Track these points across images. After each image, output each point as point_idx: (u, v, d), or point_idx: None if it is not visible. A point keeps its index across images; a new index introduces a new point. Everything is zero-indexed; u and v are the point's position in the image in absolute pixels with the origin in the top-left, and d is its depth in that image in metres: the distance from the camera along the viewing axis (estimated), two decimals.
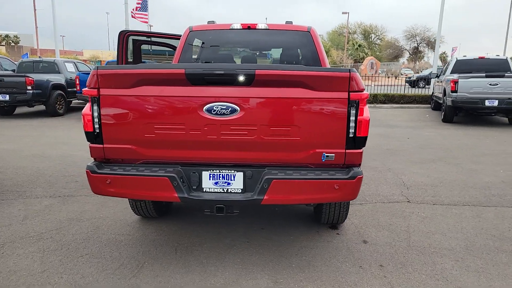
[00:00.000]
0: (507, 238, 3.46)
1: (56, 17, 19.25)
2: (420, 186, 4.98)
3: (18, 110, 12.76)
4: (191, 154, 2.70)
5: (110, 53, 60.54)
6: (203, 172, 2.71)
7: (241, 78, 2.50)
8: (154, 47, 6.62)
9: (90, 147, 2.73)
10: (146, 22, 20.95)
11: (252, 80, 2.51)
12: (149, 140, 2.66)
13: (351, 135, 2.59)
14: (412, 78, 26.58)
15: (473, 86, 9.98)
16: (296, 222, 3.77)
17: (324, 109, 2.57)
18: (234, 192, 2.71)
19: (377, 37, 67.29)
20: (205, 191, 2.72)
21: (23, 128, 9.60)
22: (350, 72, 2.51)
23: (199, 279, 2.75)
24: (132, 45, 5.52)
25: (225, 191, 2.71)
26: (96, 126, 2.66)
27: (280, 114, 2.58)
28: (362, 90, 2.54)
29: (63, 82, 12.34)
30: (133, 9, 20.19)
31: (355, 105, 2.54)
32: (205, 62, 4.52)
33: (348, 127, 2.57)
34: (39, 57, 18.98)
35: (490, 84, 9.87)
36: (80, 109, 13.90)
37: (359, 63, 47.74)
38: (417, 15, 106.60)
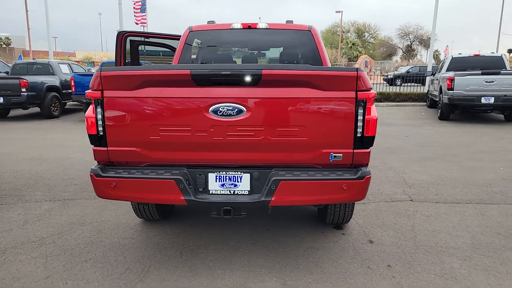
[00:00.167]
0: None
1: (49, 18, 19.05)
2: (421, 184, 4.98)
3: (13, 112, 12.61)
4: (197, 156, 2.66)
5: (103, 54, 60.11)
6: (209, 174, 2.67)
7: (248, 78, 2.47)
8: (148, 48, 6.55)
9: (93, 150, 2.68)
10: (145, 23, 20.80)
11: (258, 80, 2.47)
12: (154, 142, 2.62)
13: (359, 135, 2.57)
14: (389, 76, 27.41)
15: (469, 83, 10.02)
16: (301, 223, 3.74)
17: (331, 109, 2.54)
18: (241, 194, 2.67)
19: (370, 35, 67.50)
20: (212, 193, 2.68)
21: (18, 131, 9.48)
22: (357, 71, 2.49)
23: (206, 283, 2.71)
24: (130, 46, 5.46)
25: (232, 193, 2.68)
26: (100, 128, 2.61)
27: (287, 114, 2.55)
28: (369, 89, 2.52)
29: (57, 84, 12.22)
30: (135, 14, 20.00)
31: (362, 104, 2.52)
32: (204, 63, 4.48)
33: (356, 127, 2.55)
34: (33, 58, 18.77)
35: (486, 82, 9.92)
36: (75, 111, 13.78)
37: (353, 62, 47.91)
38: (410, 13, 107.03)
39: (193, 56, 4.62)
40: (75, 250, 3.18)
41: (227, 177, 2.67)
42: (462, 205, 4.23)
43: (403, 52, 60.14)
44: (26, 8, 33.49)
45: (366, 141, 2.59)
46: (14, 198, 4.45)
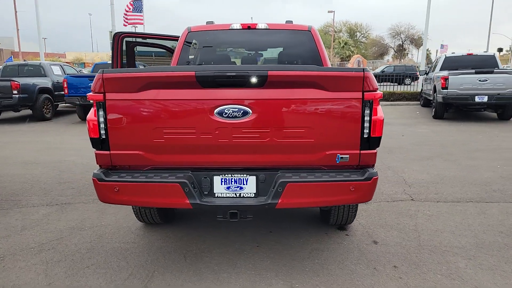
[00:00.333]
0: None
1: (40, 19, 18.83)
2: (421, 183, 4.99)
3: (4, 115, 12.42)
4: (202, 158, 2.62)
5: (94, 55, 59.56)
6: (214, 176, 2.63)
7: (254, 80, 2.43)
8: (140, 48, 6.47)
9: (96, 153, 2.63)
10: (141, 24, 20.48)
11: (264, 82, 2.44)
12: (158, 145, 2.57)
13: (365, 136, 2.54)
14: None
15: (463, 82, 10.11)
16: (304, 224, 3.72)
17: (338, 110, 2.52)
18: (247, 197, 2.64)
19: (362, 35, 67.89)
20: (217, 196, 2.64)
21: (10, 134, 9.33)
22: (364, 72, 2.47)
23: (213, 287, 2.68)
24: (126, 47, 5.39)
25: (237, 196, 2.64)
26: (102, 132, 2.56)
27: (293, 115, 2.52)
28: (375, 90, 2.50)
29: (49, 85, 12.06)
30: (125, 15, 19.62)
31: (369, 104, 2.50)
32: (203, 64, 4.43)
33: (363, 128, 2.53)
34: (24, 60, 18.51)
35: (479, 80, 10.01)
36: (67, 113, 13.62)
37: (345, 62, 48.12)
38: (401, 13, 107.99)
39: (191, 57, 4.57)
40: (76, 256, 3.12)
41: (233, 180, 2.64)
42: (463, 204, 4.24)
43: (394, 51, 60.62)
44: (15, 9, 32.99)
45: (373, 142, 2.57)
46: (11, 203, 4.36)
